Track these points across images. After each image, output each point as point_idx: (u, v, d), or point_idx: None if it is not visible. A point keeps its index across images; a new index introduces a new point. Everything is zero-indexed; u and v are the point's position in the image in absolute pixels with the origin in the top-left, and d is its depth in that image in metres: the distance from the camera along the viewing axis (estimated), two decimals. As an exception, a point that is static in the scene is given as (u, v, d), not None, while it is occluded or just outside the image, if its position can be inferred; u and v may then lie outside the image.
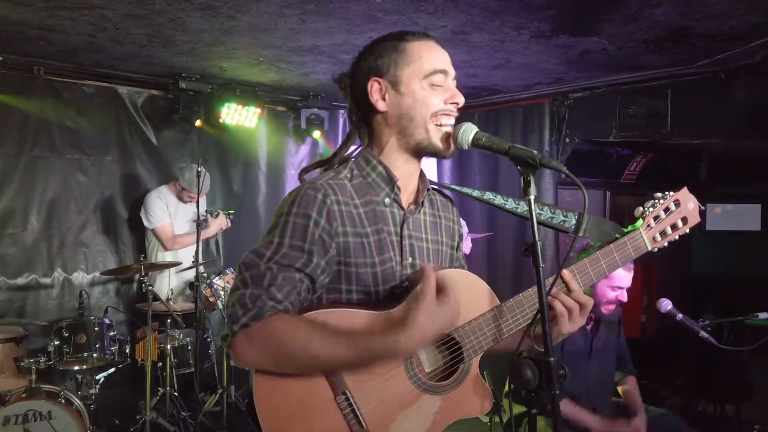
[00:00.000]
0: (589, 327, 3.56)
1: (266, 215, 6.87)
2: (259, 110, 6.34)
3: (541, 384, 1.53)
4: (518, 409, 3.65)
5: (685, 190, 1.98)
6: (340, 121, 7.25)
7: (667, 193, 1.96)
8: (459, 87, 1.83)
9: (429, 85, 1.75)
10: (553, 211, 1.99)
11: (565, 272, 1.78)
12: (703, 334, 3.18)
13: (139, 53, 5.05)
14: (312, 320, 1.63)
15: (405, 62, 1.76)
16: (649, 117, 5.48)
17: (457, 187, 2.06)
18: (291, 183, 7.05)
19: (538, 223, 1.95)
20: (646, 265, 7.06)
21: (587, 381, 3.52)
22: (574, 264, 1.83)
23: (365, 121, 1.84)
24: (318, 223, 1.66)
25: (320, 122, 6.66)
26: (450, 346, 1.78)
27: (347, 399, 1.64)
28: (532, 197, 1.58)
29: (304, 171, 1.87)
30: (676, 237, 1.97)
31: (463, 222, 5.96)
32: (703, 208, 2.00)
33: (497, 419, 3.89)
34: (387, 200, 1.80)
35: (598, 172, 6.69)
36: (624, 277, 3.39)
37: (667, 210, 1.94)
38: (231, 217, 5.65)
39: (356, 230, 1.72)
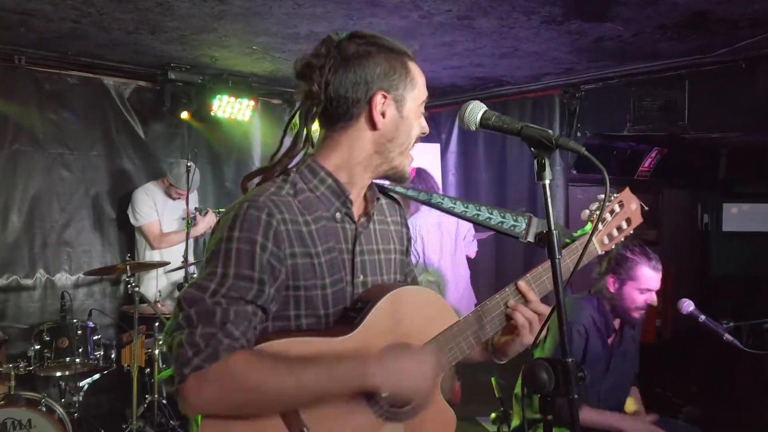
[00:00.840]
0: (610, 340, 3.47)
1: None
2: (252, 103, 6.27)
3: (558, 388, 1.45)
4: (529, 414, 3.56)
5: (627, 191, 2.05)
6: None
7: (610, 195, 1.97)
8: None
9: (420, 113, 1.76)
10: (503, 215, 1.96)
11: (522, 283, 1.81)
12: (727, 336, 3.11)
13: (125, 41, 4.98)
14: (274, 355, 1.53)
15: (411, 84, 1.71)
16: (665, 109, 5.42)
17: (402, 190, 1.98)
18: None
19: (489, 227, 1.92)
20: (662, 270, 6.99)
21: (600, 394, 3.42)
22: (530, 273, 1.84)
23: (340, 129, 1.70)
24: (265, 248, 1.54)
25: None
26: None
27: None
28: (547, 182, 1.51)
29: (247, 179, 1.74)
30: (622, 239, 2.04)
31: (470, 225, 5.94)
32: (647, 208, 2.07)
33: (505, 429, 3.82)
34: (338, 215, 1.70)
35: (610, 169, 6.58)
36: (653, 278, 3.33)
37: (612, 212, 2.01)
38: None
39: (306, 250, 1.62)
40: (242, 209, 1.56)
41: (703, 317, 3.20)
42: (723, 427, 5.58)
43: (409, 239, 1.98)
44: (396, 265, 1.88)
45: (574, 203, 6.19)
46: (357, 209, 1.76)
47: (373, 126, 1.68)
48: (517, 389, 3.62)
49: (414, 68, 1.72)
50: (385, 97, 1.67)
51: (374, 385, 1.55)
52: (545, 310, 1.77)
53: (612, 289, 3.38)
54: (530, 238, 1.90)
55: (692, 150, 7.15)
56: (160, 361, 4.77)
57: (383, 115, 1.67)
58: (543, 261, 1.79)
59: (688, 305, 3.27)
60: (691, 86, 5.22)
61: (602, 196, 1.86)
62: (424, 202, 1.97)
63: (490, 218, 1.91)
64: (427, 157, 6.44)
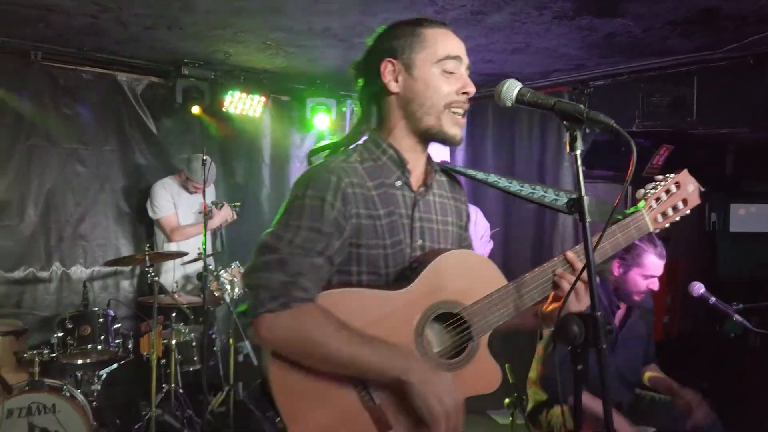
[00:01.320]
0: (617, 317, 3.63)
1: (270, 210, 6.93)
2: (263, 99, 6.46)
3: (588, 339, 1.62)
4: (539, 397, 3.72)
5: (685, 173, 2.15)
6: (347, 111, 7.34)
7: (668, 175, 2.12)
8: (473, 74, 1.95)
9: (441, 71, 1.87)
10: (545, 190, 2.10)
11: (570, 253, 1.95)
12: (737, 317, 3.29)
13: (141, 37, 5.14)
14: (339, 320, 1.74)
15: (420, 46, 1.88)
16: (673, 105, 5.56)
17: (462, 168, 2.16)
18: (296, 177, 7.06)
19: (531, 201, 2.08)
20: (670, 266, 7.16)
21: (612, 374, 3.56)
22: (579, 245, 1.97)
23: (375, 103, 1.96)
24: (333, 206, 1.77)
25: (327, 112, 6.76)
26: (458, 326, 1.89)
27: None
28: (578, 152, 1.68)
29: (313, 153, 1.99)
30: (677, 218, 2.13)
31: (487, 225, 6.09)
32: (703, 189, 2.16)
33: (520, 419, 3.97)
34: (398, 183, 1.92)
35: (619, 165, 6.77)
36: (658, 265, 3.49)
37: (668, 192, 2.10)
38: (237, 209, 5.75)
39: (369, 212, 1.83)
40: (315, 172, 1.82)
41: (713, 299, 3.38)
42: (730, 425, 5.72)
43: (468, 216, 2.18)
44: (453, 236, 2.07)
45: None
46: (416, 179, 1.97)
47: (389, 92, 1.90)
48: (531, 373, 3.79)
49: (428, 31, 1.89)
50: (392, 63, 1.88)
51: (408, 385, 1.71)
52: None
53: (616, 273, 3.57)
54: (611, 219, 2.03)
55: (700, 147, 7.30)
56: (176, 351, 4.93)
57: (396, 80, 1.88)
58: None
59: (698, 288, 3.45)
60: (700, 82, 5.37)
61: (660, 177, 2.07)
62: (481, 181, 2.13)
63: (544, 196, 2.07)
64: (435, 154, 6.60)
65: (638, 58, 5.42)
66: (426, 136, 1.92)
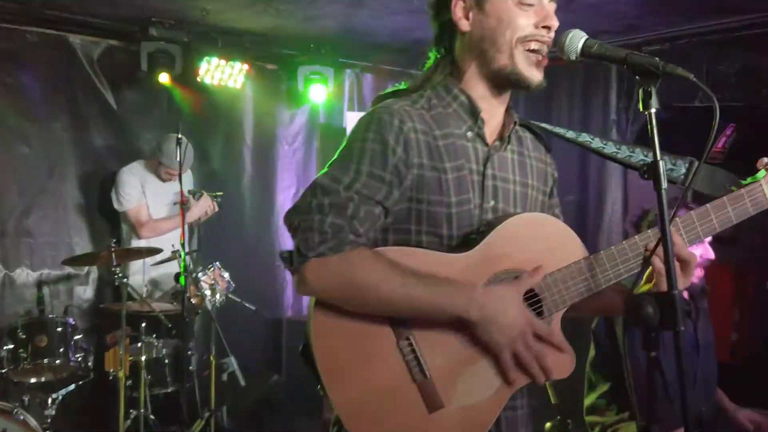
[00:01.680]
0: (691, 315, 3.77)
1: (253, 201, 7.10)
2: (246, 67, 6.57)
3: (663, 321, 1.75)
4: (606, 420, 3.82)
5: None
6: (347, 82, 7.48)
7: None
8: None
9: (517, 4, 1.98)
10: (618, 146, 2.24)
11: None
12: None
13: (103, -10, 5.26)
14: (392, 261, 1.89)
15: None
16: (744, 75, 5.68)
17: (549, 126, 2.30)
18: (283, 162, 7.29)
19: (603, 155, 2.22)
20: (738, 275, 7.29)
21: (697, 382, 3.70)
22: (680, 218, 2.07)
23: (447, 45, 2.11)
24: (395, 152, 1.93)
25: (323, 83, 6.85)
26: (526, 300, 1.98)
27: (410, 345, 1.91)
28: (653, 110, 1.83)
29: (379, 99, 2.12)
30: None
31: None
32: None
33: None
34: (469, 134, 2.05)
35: (679, 148, 6.87)
36: None
37: None
38: (218, 200, 5.86)
39: (434, 164, 1.97)
40: (376, 114, 1.97)
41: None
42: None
43: (554, 180, 2.30)
44: (534, 202, 2.18)
45: (632, 185, 6.48)
46: (491, 132, 2.11)
47: (460, 31, 2.05)
48: (589, 401, 3.88)
49: None
50: (463, 0, 2.03)
51: (470, 320, 1.88)
52: (690, 256, 2.01)
53: None
54: (690, 183, 2.17)
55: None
56: (145, 371, 5.04)
57: (467, 17, 2.03)
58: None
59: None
60: (776, 48, 5.51)
61: None
62: (570, 140, 2.28)
63: (603, 147, 2.22)
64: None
65: (702, 17, 5.52)
66: (499, 79, 2.04)
